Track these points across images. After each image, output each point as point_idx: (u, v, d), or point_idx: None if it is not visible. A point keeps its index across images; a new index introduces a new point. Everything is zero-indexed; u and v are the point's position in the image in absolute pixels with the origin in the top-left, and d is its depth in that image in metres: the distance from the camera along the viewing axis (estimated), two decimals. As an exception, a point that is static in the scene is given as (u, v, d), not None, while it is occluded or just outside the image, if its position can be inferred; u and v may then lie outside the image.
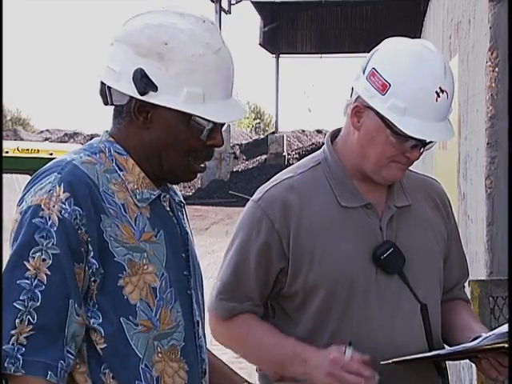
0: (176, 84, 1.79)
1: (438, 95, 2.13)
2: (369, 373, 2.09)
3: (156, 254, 1.84)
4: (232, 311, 2.26)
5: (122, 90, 1.82)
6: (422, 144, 2.18)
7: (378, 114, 2.16)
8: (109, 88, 1.85)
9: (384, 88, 2.14)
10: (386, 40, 2.26)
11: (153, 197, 1.88)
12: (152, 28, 1.81)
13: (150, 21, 1.83)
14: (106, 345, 1.79)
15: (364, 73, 2.19)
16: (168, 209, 1.92)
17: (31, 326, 1.71)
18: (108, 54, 1.85)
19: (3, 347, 1.70)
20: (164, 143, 1.84)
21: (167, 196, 1.92)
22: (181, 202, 2.01)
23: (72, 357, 1.76)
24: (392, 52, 2.20)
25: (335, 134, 2.34)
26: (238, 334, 2.27)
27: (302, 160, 2.37)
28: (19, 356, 1.70)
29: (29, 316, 1.71)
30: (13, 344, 1.70)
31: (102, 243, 1.78)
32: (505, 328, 2.10)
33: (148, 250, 1.83)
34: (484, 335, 2.12)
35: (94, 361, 1.79)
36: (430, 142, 2.19)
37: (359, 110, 2.19)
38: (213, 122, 1.82)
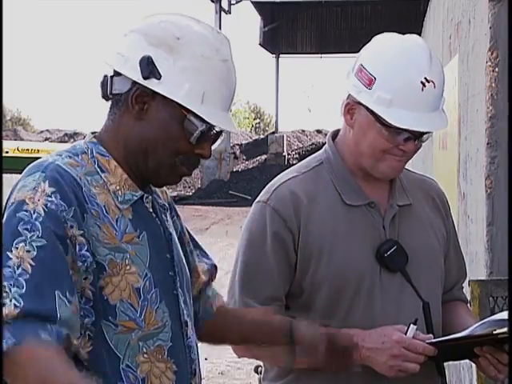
0: (179, 78, 1.81)
1: (424, 85, 2.15)
2: (432, 352, 2.10)
3: (139, 254, 1.83)
4: None
5: (126, 74, 1.83)
6: (415, 136, 2.18)
7: (367, 108, 2.18)
8: (111, 77, 1.86)
9: (370, 82, 2.17)
10: (375, 37, 2.29)
11: (135, 198, 1.87)
12: (167, 23, 1.85)
13: (166, 18, 1.87)
14: (92, 347, 1.77)
15: (353, 70, 2.23)
16: (151, 210, 1.91)
17: (18, 310, 1.64)
18: (119, 43, 1.88)
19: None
20: (154, 137, 1.84)
21: (150, 197, 1.92)
22: (164, 205, 2.00)
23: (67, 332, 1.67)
24: (377, 47, 2.24)
25: (336, 133, 2.35)
26: None
27: (304, 160, 2.38)
28: (8, 334, 1.61)
29: (14, 301, 1.64)
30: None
31: (89, 239, 1.76)
32: (500, 315, 2.11)
33: (130, 251, 1.82)
34: (479, 322, 2.12)
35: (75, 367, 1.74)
36: (423, 134, 2.19)
37: (351, 107, 2.22)
38: (206, 125, 1.83)
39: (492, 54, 3.25)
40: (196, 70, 1.82)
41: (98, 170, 1.85)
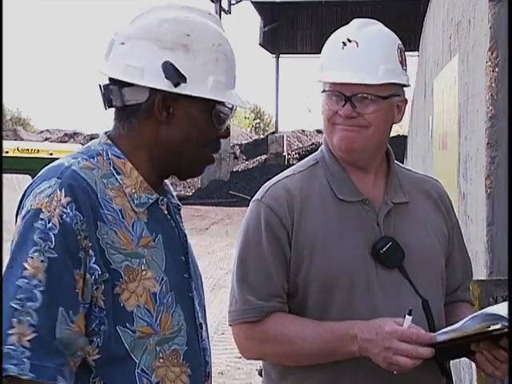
0: (203, 73, 1.82)
1: (345, 44, 2.23)
2: (428, 339, 2.08)
3: (155, 258, 1.82)
4: (263, 311, 2.23)
5: (149, 85, 1.80)
6: (345, 97, 2.21)
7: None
8: (120, 89, 1.82)
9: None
10: None
11: (150, 201, 1.86)
12: (170, 22, 1.82)
13: (163, 16, 1.83)
14: (99, 355, 1.76)
15: None
16: (166, 212, 1.91)
17: (33, 328, 1.66)
18: (122, 53, 1.82)
19: (2, 347, 1.65)
20: (186, 136, 1.85)
21: (165, 199, 1.91)
22: (178, 205, 2.00)
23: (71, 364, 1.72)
24: None
25: None
26: (276, 332, 2.22)
27: (302, 161, 2.41)
28: (25, 359, 1.65)
29: (28, 317, 1.66)
30: (13, 344, 1.65)
31: (99, 250, 1.75)
32: (491, 309, 2.10)
33: (146, 256, 1.81)
34: (470, 316, 2.10)
35: (83, 371, 1.75)
36: (354, 96, 2.20)
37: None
38: (232, 110, 1.87)
39: (492, 54, 3.25)
40: (214, 60, 1.84)
41: (114, 172, 1.84)
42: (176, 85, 1.79)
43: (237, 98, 1.89)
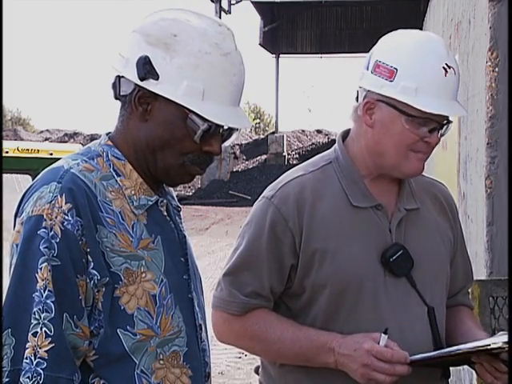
0: (177, 76, 1.78)
1: (446, 71, 2.15)
2: (403, 358, 2.08)
3: (154, 260, 1.82)
4: (246, 306, 2.23)
5: (126, 76, 1.82)
6: (440, 126, 2.17)
7: (389, 103, 2.16)
8: (119, 78, 1.84)
9: (391, 74, 2.16)
10: (384, 36, 2.28)
11: (150, 203, 1.86)
12: (166, 21, 1.82)
13: (166, 15, 1.84)
14: (97, 356, 1.77)
15: (368, 69, 2.21)
16: (165, 214, 1.90)
17: (50, 339, 1.68)
18: (121, 44, 1.86)
19: (18, 367, 1.67)
20: (160, 138, 1.82)
21: (164, 201, 1.91)
22: (178, 206, 2.00)
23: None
24: (392, 42, 2.23)
25: (345, 134, 2.33)
26: (255, 330, 2.23)
27: (313, 159, 2.36)
28: (40, 370, 1.67)
29: (45, 328, 1.68)
30: (27, 358, 1.67)
31: (98, 254, 1.75)
32: (492, 337, 2.09)
33: (146, 258, 1.81)
34: (447, 349, 2.11)
35: (81, 371, 1.75)
36: (447, 124, 2.18)
37: (370, 106, 2.19)
38: (208, 124, 1.80)
39: (492, 54, 3.25)
40: (194, 66, 1.78)
41: (114, 173, 1.84)
42: (142, 79, 1.78)
43: (218, 113, 1.80)
